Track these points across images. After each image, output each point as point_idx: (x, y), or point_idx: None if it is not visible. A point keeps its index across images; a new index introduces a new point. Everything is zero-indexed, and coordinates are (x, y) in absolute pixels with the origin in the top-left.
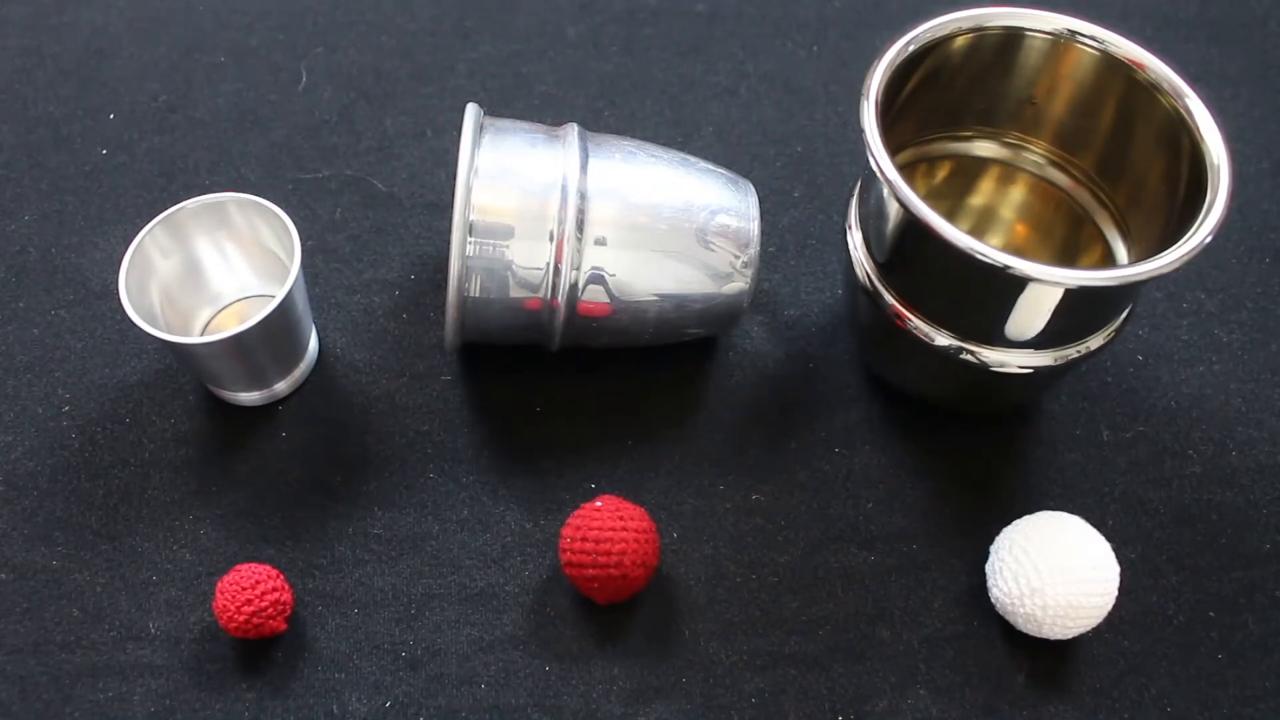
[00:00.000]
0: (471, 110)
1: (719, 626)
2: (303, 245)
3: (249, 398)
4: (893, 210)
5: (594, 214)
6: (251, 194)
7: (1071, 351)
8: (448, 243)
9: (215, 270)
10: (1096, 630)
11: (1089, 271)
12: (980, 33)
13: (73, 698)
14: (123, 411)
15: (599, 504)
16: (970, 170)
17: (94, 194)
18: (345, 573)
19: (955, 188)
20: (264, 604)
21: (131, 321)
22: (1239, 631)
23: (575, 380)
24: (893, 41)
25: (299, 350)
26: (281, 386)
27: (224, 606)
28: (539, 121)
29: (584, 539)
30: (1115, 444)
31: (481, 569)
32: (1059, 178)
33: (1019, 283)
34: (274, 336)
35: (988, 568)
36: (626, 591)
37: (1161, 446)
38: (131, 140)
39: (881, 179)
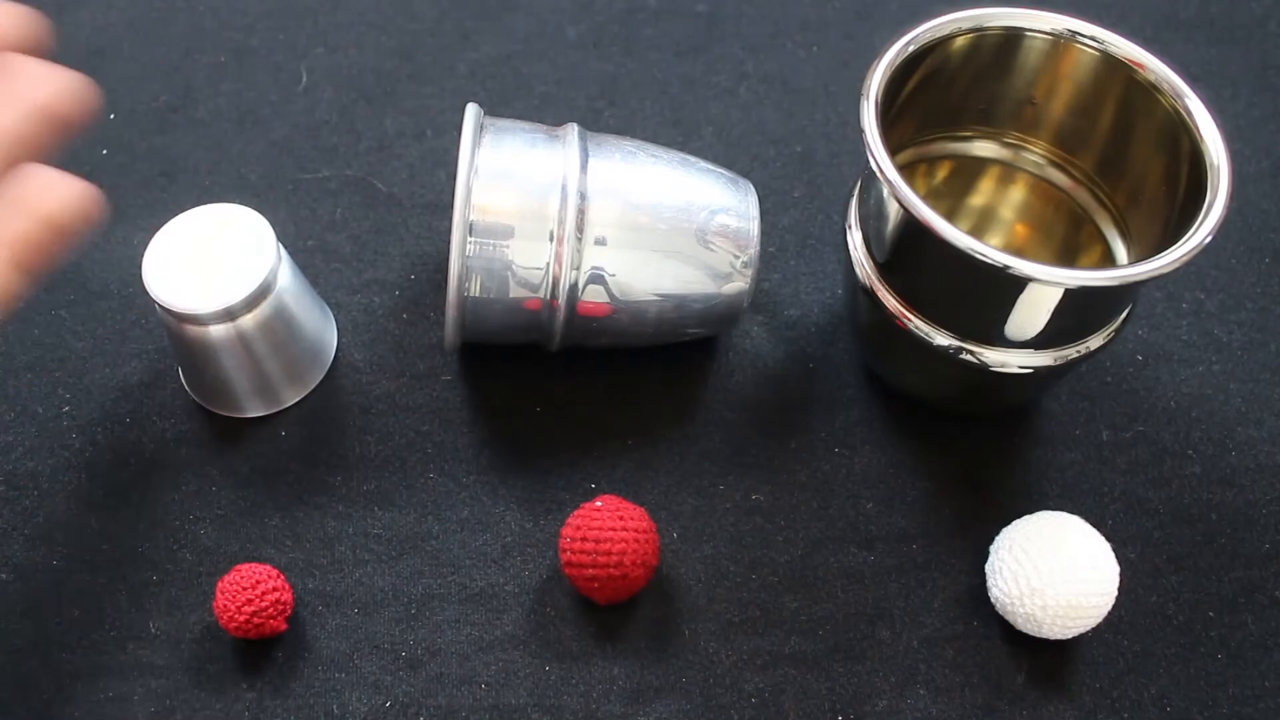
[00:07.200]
0: (471, 110)
1: (719, 626)
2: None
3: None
4: (893, 210)
5: (594, 214)
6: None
7: (1071, 351)
8: (448, 243)
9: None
10: (1096, 630)
11: (1089, 271)
12: (980, 33)
13: (73, 698)
14: (123, 411)
15: (599, 504)
16: (970, 170)
17: None
18: (345, 573)
19: (955, 188)
20: (264, 604)
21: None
22: (1239, 631)
23: (575, 380)
24: (893, 41)
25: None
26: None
27: (224, 606)
28: (539, 121)
29: (584, 539)
30: (1115, 444)
31: (481, 569)
32: (1059, 178)
33: (1019, 283)
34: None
35: (988, 568)
36: (626, 591)
37: (1161, 446)
38: (131, 140)
39: (881, 179)
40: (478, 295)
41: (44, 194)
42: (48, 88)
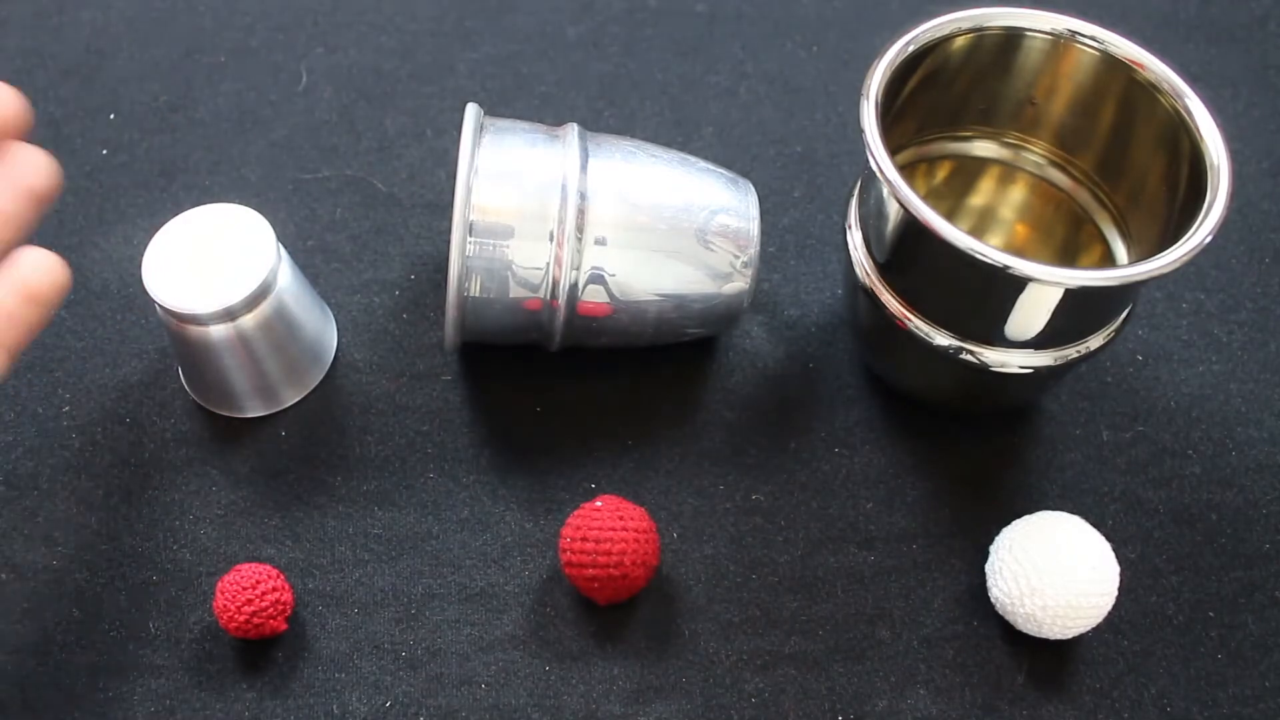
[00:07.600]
0: (471, 110)
1: (719, 626)
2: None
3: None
4: (893, 210)
5: (594, 214)
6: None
7: (1071, 351)
8: (448, 243)
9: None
10: (1096, 630)
11: (1089, 271)
12: (980, 33)
13: (73, 698)
14: (123, 411)
15: (599, 504)
16: (970, 170)
17: (94, 194)
18: (345, 573)
19: (955, 188)
20: (264, 604)
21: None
22: (1239, 631)
23: (575, 380)
24: (893, 41)
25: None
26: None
27: (224, 606)
28: (539, 121)
29: (584, 539)
30: (1115, 444)
31: (481, 569)
32: (1059, 178)
33: (1019, 283)
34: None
35: (988, 568)
36: (626, 591)
37: (1161, 446)
38: (131, 140)
39: (881, 179)
40: (478, 295)
41: (37, 275)
42: (38, 172)
